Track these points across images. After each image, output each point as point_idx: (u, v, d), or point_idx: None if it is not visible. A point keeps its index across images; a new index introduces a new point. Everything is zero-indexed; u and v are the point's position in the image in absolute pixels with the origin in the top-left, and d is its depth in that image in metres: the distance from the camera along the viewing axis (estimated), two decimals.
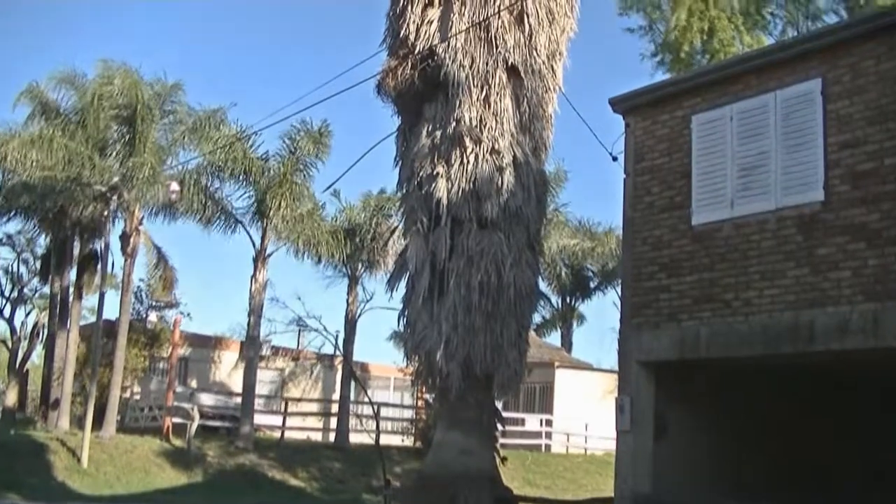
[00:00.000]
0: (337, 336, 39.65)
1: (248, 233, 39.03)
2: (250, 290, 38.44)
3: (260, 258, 38.54)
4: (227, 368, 47.27)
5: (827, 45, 13.25)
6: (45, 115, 38.38)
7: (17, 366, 51.30)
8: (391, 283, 20.21)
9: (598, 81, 55.40)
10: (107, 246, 37.31)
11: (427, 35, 19.41)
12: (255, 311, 38.39)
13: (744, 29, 29.62)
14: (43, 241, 47.45)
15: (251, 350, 39.16)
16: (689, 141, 14.83)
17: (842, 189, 12.55)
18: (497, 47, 19.26)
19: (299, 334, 46.47)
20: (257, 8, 77.30)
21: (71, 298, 41.45)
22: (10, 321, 55.02)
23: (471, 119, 19.03)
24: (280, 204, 37.26)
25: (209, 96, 75.47)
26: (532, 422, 45.10)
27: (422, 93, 19.50)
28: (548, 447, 45.15)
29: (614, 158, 17.13)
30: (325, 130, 38.55)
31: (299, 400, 46.55)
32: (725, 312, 13.65)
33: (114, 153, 36.63)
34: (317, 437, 44.01)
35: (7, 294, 54.74)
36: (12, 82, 70.56)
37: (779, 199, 13.27)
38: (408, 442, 42.86)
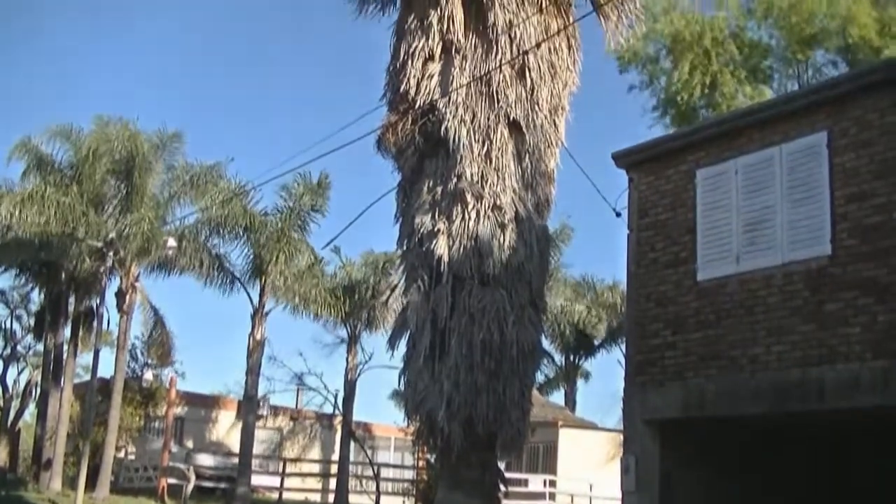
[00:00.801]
0: (336, 395, 39.35)
1: (246, 290, 38.90)
2: (248, 347, 38.21)
3: (258, 315, 38.32)
4: (224, 428, 46.88)
5: (832, 97, 13.16)
6: (39, 170, 38.31)
7: (9, 424, 50.93)
8: (392, 342, 19.91)
9: (602, 135, 55.62)
10: (102, 302, 37.14)
11: (427, 90, 19.29)
12: (253, 370, 38.11)
13: (746, 82, 29.80)
14: (37, 298, 47.28)
15: (249, 409, 38.81)
16: (693, 196, 14.70)
17: (849, 243, 12.38)
18: (498, 102, 19.13)
19: (298, 393, 46.18)
20: (256, 63, 77.78)
21: (65, 356, 41.22)
22: (2, 379, 54.77)
23: (472, 175, 18.86)
24: (278, 259, 37.12)
25: (207, 152, 75.75)
26: (535, 482, 44.60)
27: (422, 148, 19.34)
28: None
29: (618, 214, 16.95)
30: (324, 182, 38.48)
31: (298, 460, 46.13)
32: (732, 369, 13.44)
33: (110, 208, 36.57)
34: (316, 497, 43.59)
35: (0, 351, 54.47)
36: (9, 138, 70.88)
37: (785, 253, 13.11)
38: (409, 503, 42.37)
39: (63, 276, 39.68)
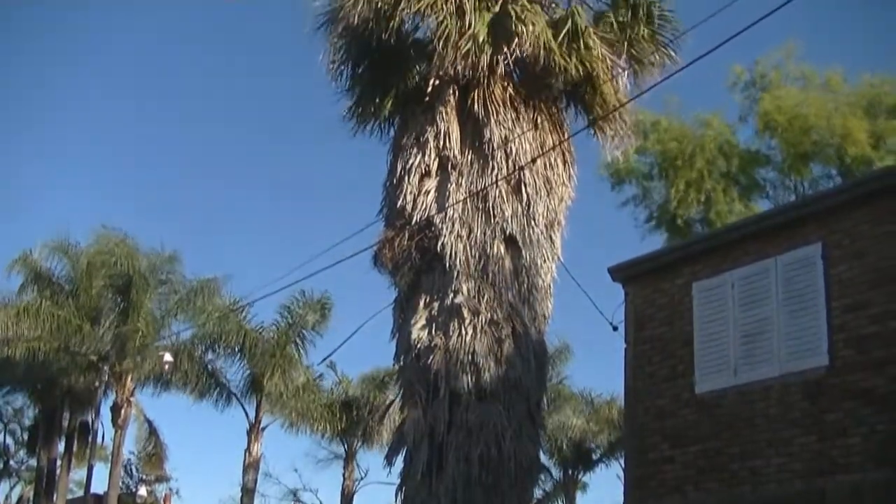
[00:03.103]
0: None
1: (242, 406, 38.69)
2: (244, 464, 37.82)
3: (254, 431, 38.05)
4: None
5: (825, 209, 13.25)
6: (37, 284, 38.36)
7: None
8: (389, 458, 19.77)
9: (599, 246, 55.71)
10: (97, 417, 36.90)
11: (424, 205, 19.46)
12: (249, 487, 37.65)
13: (740, 198, 30.04)
14: (31, 412, 46.89)
15: None
16: (690, 309, 14.67)
17: (846, 353, 12.34)
18: (494, 217, 19.28)
19: None
20: (253, 180, 78.44)
21: (59, 471, 40.76)
22: None
23: (469, 290, 18.92)
24: (274, 375, 36.98)
25: (204, 265, 76.04)
26: None
27: (419, 264, 19.43)
28: None
29: (615, 328, 16.97)
30: (326, 302, 38.53)
31: None
32: (732, 482, 13.27)
33: (106, 322, 36.55)
34: None
35: None
36: (6, 245, 71.21)
37: (783, 364, 13.05)
38: None
39: (58, 390, 39.47)
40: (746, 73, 33.74)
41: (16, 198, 65.88)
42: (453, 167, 19.75)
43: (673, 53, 20.66)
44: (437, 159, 19.84)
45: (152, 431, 40.80)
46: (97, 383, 35.92)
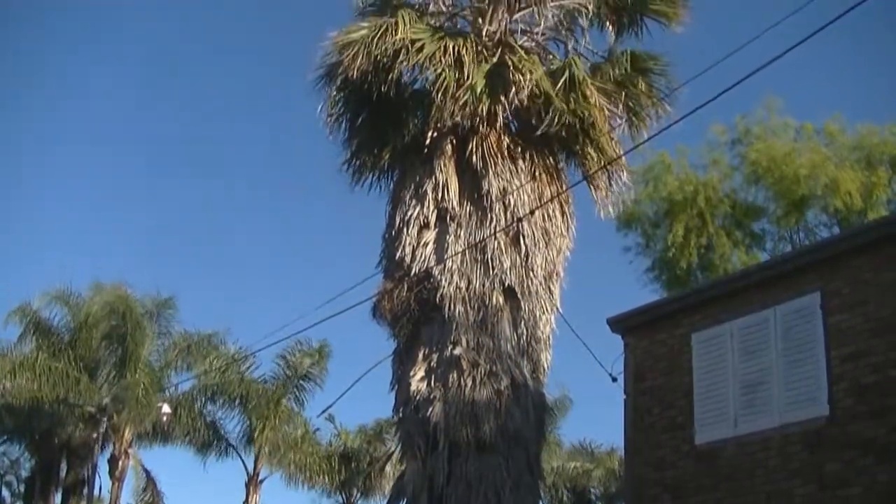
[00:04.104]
0: None
1: (241, 458, 38.50)
2: None
3: (252, 484, 37.82)
4: None
5: (823, 258, 13.30)
6: (36, 334, 38.30)
7: None
8: None
9: (598, 296, 55.72)
10: (94, 469, 36.67)
11: (423, 257, 19.46)
12: None
13: (741, 246, 30.01)
14: (28, 464, 46.57)
15: None
16: (689, 359, 14.70)
17: (847, 403, 12.33)
18: (493, 269, 19.26)
19: None
20: (252, 232, 78.54)
21: None
22: None
23: (468, 342, 18.86)
24: (272, 428, 36.84)
25: (203, 316, 75.96)
26: None
27: (418, 315, 19.38)
28: None
29: (614, 379, 16.97)
30: (324, 350, 38.44)
31: None
32: None
33: (105, 373, 36.47)
34: None
35: None
36: (5, 294, 71.14)
37: (783, 415, 13.05)
38: None
39: (55, 441, 39.28)
40: (727, 132, 33.92)
41: (14, 250, 65.77)
42: (452, 219, 19.77)
43: (668, 105, 20.78)
44: (436, 211, 19.86)
45: (150, 482, 40.52)
46: (95, 435, 35.74)
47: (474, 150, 19.90)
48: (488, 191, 19.67)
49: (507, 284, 19.33)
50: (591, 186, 21.14)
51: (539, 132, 19.88)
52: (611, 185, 21.28)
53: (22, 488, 48.59)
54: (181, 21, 75.95)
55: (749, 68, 11.99)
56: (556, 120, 19.38)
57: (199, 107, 76.58)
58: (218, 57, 78.09)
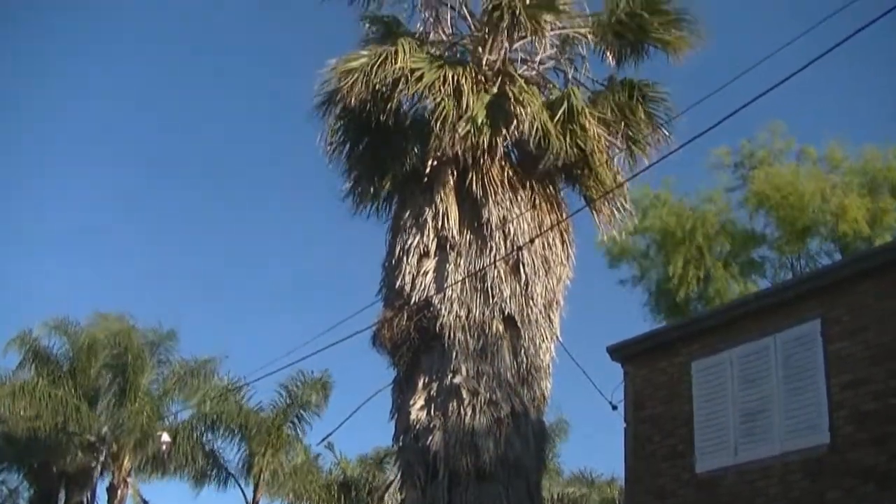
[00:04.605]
0: None
1: (240, 486, 38.34)
2: None
3: None
4: None
5: (823, 286, 13.29)
6: (35, 363, 38.24)
7: None
8: None
9: (598, 323, 55.61)
10: (93, 498, 36.55)
11: (423, 285, 19.45)
12: None
13: (739, 276, 29.99)
14: (27, 493, 46.34)
15: None
16: (689, 387, 14.68)
17: (847, 431, 12.29)
18: (493, 297, 19.24)
19: None
20: (251, 260, 78.56)
21: None
22: None
23: (468, 370, 18.82)
24: (273, 455, 36.72)
25: (202, 345, 75.93)
26: None
27: (418, 344, 19.35)
28: None
29: (614, 407, 16.94)
30: (327, 381, 38.36)
31: None
32: None
33: (104, 402, 36.39)
34: None
35: None
36: (5, 322, 71.08)
37: (784, 443, 13.01)
38: None
39: (54, 470, 39.14)
40: (731, 156, 34.01)
41: (14, 280, 65.74)
42: (452, 247, 19.78)
43: (667, 134, 20.82)
44: (436, 239, 19.87)
45: None
46: (94, 464, 35.66)
47: (474, 179, 19.92)
48: (488, 219, 19.69)
49: (507, 313, 19.31)
50: (594, 211, 21.14)
51: (540, 168, 19.97)
52: (613, 211, 21.29)
53: None
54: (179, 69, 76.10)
55: (752, 90, 12.02)
56: (555, 154, 19.40)
57: (199, 131, 76.66)
58: (217, 89, 78.11)
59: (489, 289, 19.31)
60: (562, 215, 20.88)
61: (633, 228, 26.66)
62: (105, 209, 74.06)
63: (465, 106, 19.43)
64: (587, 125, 19.71)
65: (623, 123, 20.68)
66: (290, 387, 38.05)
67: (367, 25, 22.41)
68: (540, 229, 19.99)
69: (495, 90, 20.07)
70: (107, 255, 75.34)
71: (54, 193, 76.28)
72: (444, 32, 22.03)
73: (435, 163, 20.20)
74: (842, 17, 11.56)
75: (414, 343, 19.33)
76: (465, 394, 18.57)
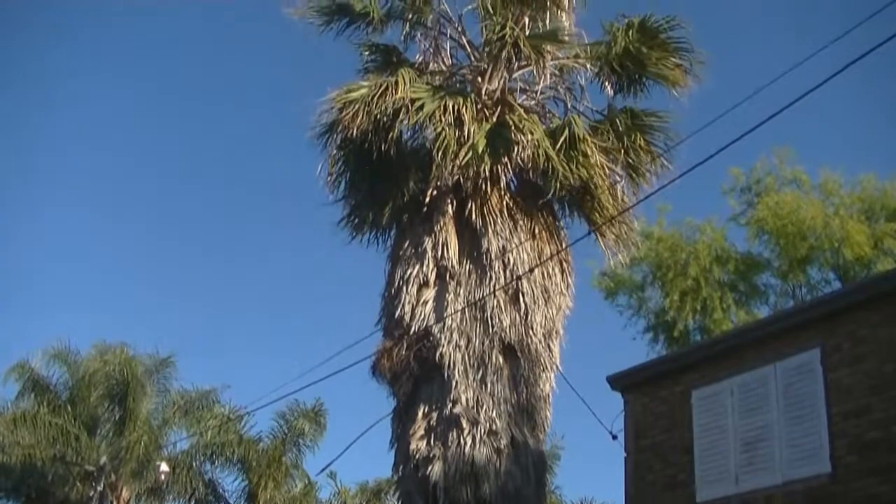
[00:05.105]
0: None
1: None
2: None
3: None
4: None
5: (823, 314, 13.28)
6: (35, 392, 38.14)
7: None
8: None
9: (598, 352, 55.55)
10: None
11: (422, 315, 19.42)
12: None
13: (738, 305, 29.98)
14: None
15: None
16: (689, 416, 14.64)
17: (850, 460, 12.24)
18: (493, 327, 19.20)
19: None
20: (250, 290, 78.50)
21: None
22: None
23: (467, 400, 18.77)
24: (275, 486, 36.59)
25: (201, 375, 75.65)
26: None
27: (417, 374, 19.30)
28: None
29: (614, 437, 16.90)
30: (320, 409, 38.27)
31: None
32: None
33: (103, 431, 36.31)
34: None
35: None
36: (5, 351, 70.90)
37: (785, 472, 12.96)
38: None
39: (52, 499, 38.92)
40: (744, 177, 34.11)
41: (14, 309, 65.73)
42: (451, 277, 19.76)
43: (667, 162, 20.84)
44: (436, 269, 19.85)
45: None
46: (93, 494, 35.50)
47: (474, 208, 19.92)
48: (487, 249, 19.68)
49: (506, 342, 19.27)
50: (599, 237, 21.09)
51: (542, 201, 20.02)
52: (618, 237, 21.26)
53: None
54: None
55: (757, 112, 12.05)
56: (556, 182, 19.43)
57: (196, 166, 76.87)
58: (216, 123, 78.26)
59: (489, 318, 19.27)
60: (561, 245, 20.88)
61: (629, 262, 26.69)
62: (106, 256, 74.45)
63: (465, 135, 19.44)
64: (589, 152, 19.73)
65: (623, 152, 20.70)
66: (287, 416, 38.02)
67: (367, 54, 22.52)
68: (539, 259, 19.98)
69: (495, 119, 20.12)
70: (104, 287, 75.35)
71: (54, 237, 76.42)
72: (443, 62, 22.10)
73: (435, 192, 20.22)
74: (845, 42, 11.60)
75: (414, 373, 19.28)
76: (464, 423, 18.50)
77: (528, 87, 21.76)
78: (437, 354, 18.97)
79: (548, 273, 20.15)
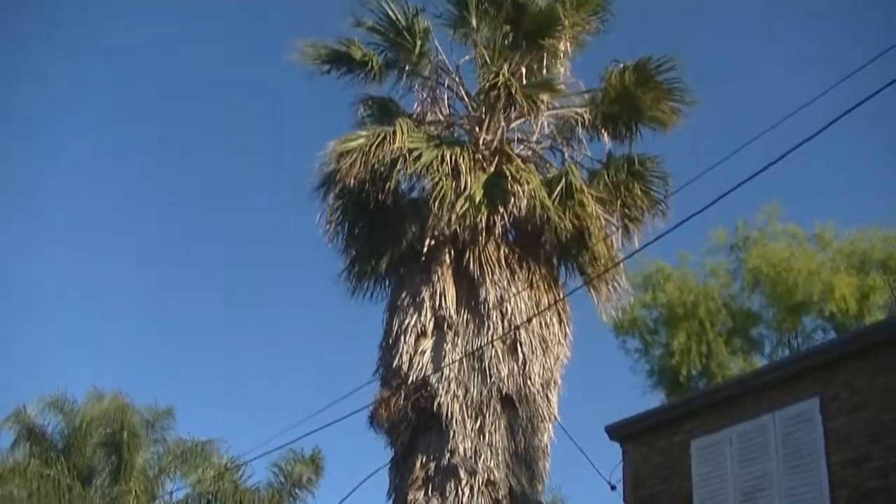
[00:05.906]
0: None
1: None
2: None
3: None
4: None
5: (821, 363, 13.27)
6: (29, 441, 37.91)
7: None
8: None
9: (597, 400, 55.32)
10: None
11: (420, 365, 19.37)
12: None
13: (740, 352, 30.00)
14: None
15: None
16: (688, 466, 14.58)
17: None
18: (491, 377, 19.16)
19: None
20: (246, 340, 78.22)
21: None
22: None
23: (465, 450, 18.70)
24: None
25: (197, 426, 75.21)
26: None
27: (415, 423, 19.24)
28: None
29: (613, 487, 16.79)
30: (317, 457, 38.06)
31: None
32: None
33: (98, 481, 36.06)
34: None
35: None
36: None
37: None
38: None
39: None
40: (728, 236, 34.24)
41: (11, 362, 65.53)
42: (449, 327, 19.74)
43: (664, 211, 20.92)
44: (433, 319, 19.83)
45: None
46: None
47: (472, 258, 19.95)
48: (485, 299, 19.68)
49: (504, 392, 19.22)
50: (591, 289, 21.12)
51: (542, 250, 20.07)
52: (611, 290, 21.28)
53: None
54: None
55: (749, 166, 12.12)
56: (553, 230, 19.50)
57: (191, 217, 76.94)
58: (212, 172, 78.46)
59: (487, 368, 19.23)
60: (559, 294, 20.90)
61: (642, 303, 26.67)
62: (100, 293, 74.25)
63: (463, 185, 19.52)
64: (585, 203, 19.81)
65: (619, 202, 20.78)
66: (282, 465, 37.79)
67: (363, 107, 22.64)
68: (537, 308, 19.98)
69: (492, 169, 20.23)
70: (100, 336, 75.18)
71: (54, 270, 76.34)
72: (440, 112, 22.22)
73: (432, 242, 20.27)
74: (839, 90, 11.68)
75: (411, 423, 19.22)
76: (462, 473, 18.43)
77: (525, 137, 21.91)
78: (435, 404, 18.92)
79: (546, 323, 20.15)
